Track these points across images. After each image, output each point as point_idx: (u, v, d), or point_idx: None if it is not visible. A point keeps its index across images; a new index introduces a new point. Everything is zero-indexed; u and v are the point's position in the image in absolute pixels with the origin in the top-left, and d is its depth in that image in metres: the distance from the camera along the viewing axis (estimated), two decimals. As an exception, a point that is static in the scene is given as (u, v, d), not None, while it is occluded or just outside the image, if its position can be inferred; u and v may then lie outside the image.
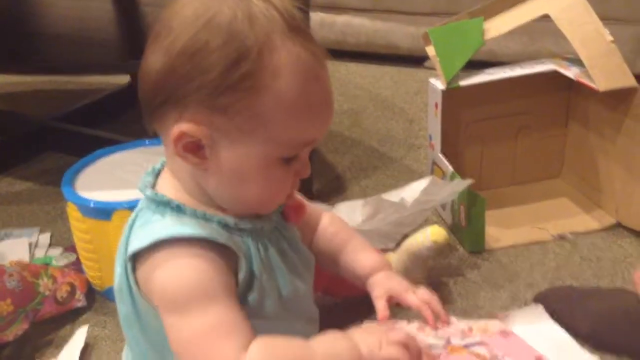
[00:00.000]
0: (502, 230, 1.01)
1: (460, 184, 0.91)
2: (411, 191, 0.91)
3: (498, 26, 1.00)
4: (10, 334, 0.80)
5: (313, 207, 0.72)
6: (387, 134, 1.40)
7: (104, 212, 0.86)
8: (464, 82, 0.99)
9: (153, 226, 0.54)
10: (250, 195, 0.55)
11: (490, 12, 1.03)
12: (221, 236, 0.54)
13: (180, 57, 0.51)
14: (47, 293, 0.85)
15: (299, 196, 0.66)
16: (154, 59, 0.52)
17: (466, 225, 0.97)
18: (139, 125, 1.56)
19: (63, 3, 1.48)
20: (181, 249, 0.52)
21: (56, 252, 1.05)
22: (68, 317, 0.90)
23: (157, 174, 0.61)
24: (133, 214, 0.59)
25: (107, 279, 0.92)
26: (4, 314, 0.78)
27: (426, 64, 1.61)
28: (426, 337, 0.69)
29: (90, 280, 0.94)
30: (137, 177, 0.93)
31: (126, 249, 0.56)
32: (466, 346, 0.66)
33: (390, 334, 0.55)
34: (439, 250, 0.84)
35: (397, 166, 1.26)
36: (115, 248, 0.87)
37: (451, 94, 1.00)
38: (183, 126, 0.52)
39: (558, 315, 0.80)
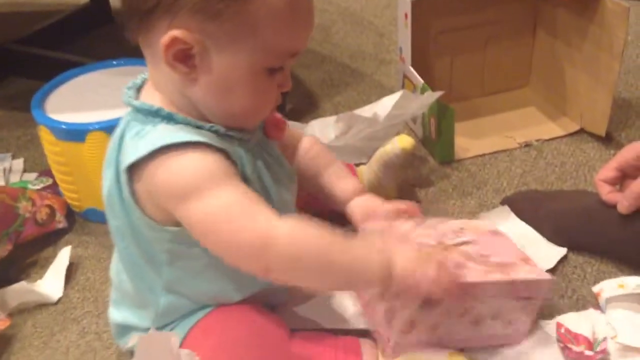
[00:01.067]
0: (471, 141, 1.04)
1: (431, 96, 0.93)
2: (383, 106, 0.92)
3: None
4: (-6, 256, 0.81)
5: (293, 129, 0.73)
6: (357, 49, 1.39)
7: (77, 134, 0.86)
8: (433, -8, 0.99)
9: (148, 136, 0.55)
10: (236, 106, 0.57)
11: None
12: (216, 142, 0.56)
13: None
14: (27, 215, 0.86)
15: (278, 114, 0.67)
16: None
17: (436, 137, 0.99)
18: (102, 46, 1.55)
19: None
20: (180, 151, 0.54)
21: (31, 176, 1.05)
22: (50, 239, 0.91)
23: (138, 89, 0.61)
24: (119, 128, 0.60)
25: (85, 200, 0.93)
26: (-14, 237, 0.79)
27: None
28: (420, 238, 0.71)
29: (69, 202, 0.95)
30: (107, 98, 0.94)
31: (117, 162, 0.57)
32: (457, 245, 0.69)
33: (430, 260, 0.57)
34: (408, 157, 0.87)
35: (369, 81, 1.26)
36: (92, 169, 0.89)
37: (420, 4, 1.00)
38: (175, 32, 0.53)
39: (523, 217, 0.84)
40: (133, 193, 0.57)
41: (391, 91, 1.19)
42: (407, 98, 0.93)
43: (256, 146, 0.62)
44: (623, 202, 0.74)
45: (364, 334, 0.68)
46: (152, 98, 0.59)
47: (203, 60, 0.54)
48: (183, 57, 0.54)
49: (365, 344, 0.65)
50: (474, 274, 0.63)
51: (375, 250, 0.57)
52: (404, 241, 0.61)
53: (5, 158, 1.10)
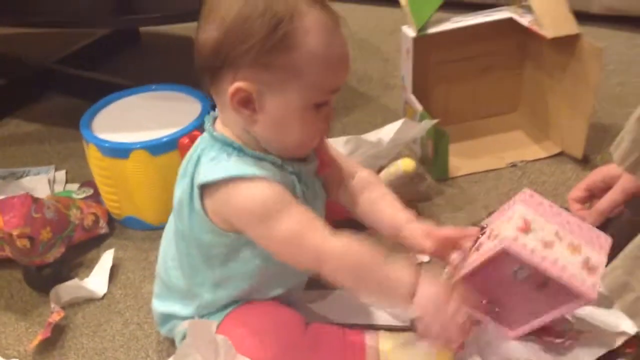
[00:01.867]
0: (464, 160, 1.17)
1: (428, 123, 1.06)
2: (386, 131, 1.06)
3: (462, -22, 1.12)
4: (51, 256, 0.94)
5: (346, 162, 0.85)
6: (364, 73, 1.52)
7: (122, 151, 1.00)
8: (432, 30, 1.12)
9: (223, 164, 0.68)
10: (291, 139, 0.69)
11: (456, -36, 1.14)
12: (275, 175, 0.68)
13: (231, 27, 0.64)
14: (77, 222, 0.99)
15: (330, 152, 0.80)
16: (209, 31, 0.65)
17: (433, 156, 1.12)
18: (130, 66, 1.70)
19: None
20: (249, 181, 0.67)
21: (73, 187, 1.18)
22: (94, 243, 1.04)
23: (213, 121, 0.74)
24: (197, 148, 0.72)
25: (125, 209, 1.06)
26: (45, 240, 0.92)
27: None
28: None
29: (110, 210, 1.08)
30: (147, 120, 1.07)
31: (192, 176, 0.70)
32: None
33: (452, 309, 0.65)
34: (410, 178, 1.00)
35: (375, 104, 1.39)
36: (133, 182, 1.02)
37: (421, 40, 1.13)
38: (238, 84, 0.65)
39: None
40: (203, 205, 0.70)
41: (395, 113, 1.33)
42: (408, 125, 1.06)
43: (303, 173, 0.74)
44: (588, 219, 0.87)
45: (369, 328, 0.81)
46: (224, 131, 0.71)
47: (261, 104, 0.66)
48: (245, 103, 0.66)
49: (369, 335, 0.78)
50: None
51: (406, 278, 0.67)
52: (434, 280, 0.68)
53: (49, 170, 1.23)
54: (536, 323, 0.76)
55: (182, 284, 0.78)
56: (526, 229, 0.69)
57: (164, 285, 0.81)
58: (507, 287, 0.75)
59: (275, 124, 0.68)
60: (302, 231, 0.67)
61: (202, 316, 0.76)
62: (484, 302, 0.79)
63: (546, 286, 0.71)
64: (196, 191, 0.70)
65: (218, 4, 0.66)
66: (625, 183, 0.80)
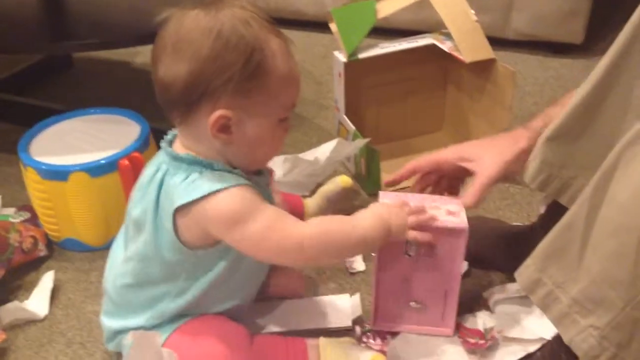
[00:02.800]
0: (394, 176, 1.24)
1: (361, 142, 1.13)
2: (322, 151, 1.12)
3: (387, 7, 1.20)
4: (-10, 280, 0.94)
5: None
6: (300, 95, 1.57)
7: (61, 174, 1.01)
8: (362, 55, 1.19)
9: (197, 183, 0.70)
10: (263, 154, 0.76)
11: (381, -6, 1.22)
12: (246, 181, 0.72)
13: (207, 61, 0.67)
14: (15, 244, 0.99)
15: None
16: (179, 67, 0.68)
17: (366, 173, 1.19)
18: (64, 91, 1.70)
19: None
20: (224, 191, 0.70)
21: (9, 211, 1.17)
22: (33, 265, 1.04)
23: (170, 143, 0.77)
24: (157, 171, 0.74)
25: (63, 232, 1.07)
26: (-16, 263, 0.92)
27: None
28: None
29: (48, 233, 1.08)
30: (86, 143, 1.08)
31: (157, 199, 0.72)
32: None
33: (409, 206, 0.79)
34: (346, 193, 1.08)
35: (310, 125, 1.45)
36: (72, 204, 1.03)
37: (352, 65, 1.20)
38: (220, 112, 0.69)
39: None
40: (175, 224, 0.72)
41: (329, 133, 1.39)
42: (342, 144, 1.13)
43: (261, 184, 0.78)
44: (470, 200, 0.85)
45: (310, 334, 0.86)
46: (189, 152, 0.73)
47: (238, 128, 0.71)
48: (223, 129, 0.70)
49: (310, 340, 0.83)
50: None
51: (376, 219, 0.76)
52: (386, 205, 0.80)
53: (-16, 195, 1.22)
54: (454, 299, 0.86)
55: (137, 299, 0.79)
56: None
57: (113, 304, 0.83)
58: (412, 273, 0.85)
59: (250, 143, 0.73)
60: (280, 224, 0.72)
61: (152, 327, 0.78)
62: (413, 304, 0.86)
63: (433, 248, 0.83)
64: (167, 213, 0.72)
65: (184, 41, 0.68)
66: (489, 172, 0.83)
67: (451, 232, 0.82)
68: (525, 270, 0.71)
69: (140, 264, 0.78)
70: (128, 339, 0.74)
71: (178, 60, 0.69)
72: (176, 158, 0.73)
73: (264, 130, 0.72)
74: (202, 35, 0.68)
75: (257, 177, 0.77)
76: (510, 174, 0.85)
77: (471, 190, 0.84)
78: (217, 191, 0.70)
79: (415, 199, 0.86)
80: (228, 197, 0.70)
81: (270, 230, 0.71)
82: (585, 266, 0.63)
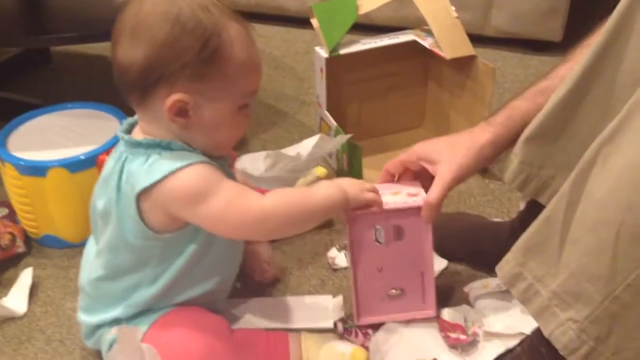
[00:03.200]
0: (376, 172, 1.20)
1: (343, 138, 1.13)
2: (304, 146, 1.12)
3: (368, 3, 1.20)
4: (-34, 277, 0.93)
5: None
6: (280, 91, 1.58)
7: (39, 169, 0.99)
8: (343, 51, 1.20)
9: (157, 164, 0.71)
10: (223, 139, 0.76)
11: (363, -10, 1.22)
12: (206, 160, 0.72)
13: (163, 46, 0.68)
14: (-7, 241, 0.98)
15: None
16: (136, 51, 0.69)
17: (348, 169, 1.19)
18: (42, 86, 1.67)
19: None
20: (184, 169, 0.71)
21: (-14, 207, 1.16)
22: (11, 262, 1.03)
23: (128, 130, 0.77)
24: (117, 160, 0.74)
25: (42, 228, 1.06)
26: (-39, 260, 0.91)
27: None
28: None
29: (27, 229, 1.07)
30: (64, 138, 1.07)
31: (118, 186, 0.72)
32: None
33: (367, 184, 0.82)
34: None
35: (291, 121, 1.45)
36: (51, 200, 1.02)
37: (333, 61, 1.20)
38: (176, 96, 0.70)
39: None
40: (139, 209, 0.72)
41: (311, 129, 1.39)
42: (324, 140, 1.13)
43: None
44: (426, 213, 0.85)
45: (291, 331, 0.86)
46: (147, 136, 0.74)
47: (196, 112, 0.71)
48: (180, 113, 0.71)
49: (291, 336, 0.83)
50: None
51: (332, 184, 0.79)
52: (343, 179, 0.83)
53: (-40, 190, 1.20)
54: (430, 280, 0.88)
55: (112, 290, 0.79)
56: None
57: (89, 298, 0.82)
58: (386, 262, 0.87)
59: (209, 128, 0.73)
60: (241, 198, 0.73)
61: (129, 317, 0.78)
62: (392, 292, 0.87)
63: (400, 231, 0.86)
64: (129, 199, 0.72)
65: (142, 25, 0.69)
66: (444, 175, 0.83)
67: (414, 211, 0.84)
68: (506, 265, 0.72)
69: (110, 255, 0.77)
70: (111, 334, 0.73)
71: (135, 44, 0.69)
72: (134, 144, 0.73)
73: (222, 116, 0.73)
74: (159, 20, 0.68)
75: (218, 160, 0.77)
76: (471, 173, 0.85)
77: (431, 191, 0.84)
78: (178, 169, 0.70)
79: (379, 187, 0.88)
80: (188, 174, 0.71)
81: (232, 205, 0.72)
82: (564, 260, 0.64)
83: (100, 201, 0.76)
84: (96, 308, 0.81)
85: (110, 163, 0.76)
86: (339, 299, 0.93)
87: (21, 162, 1.00)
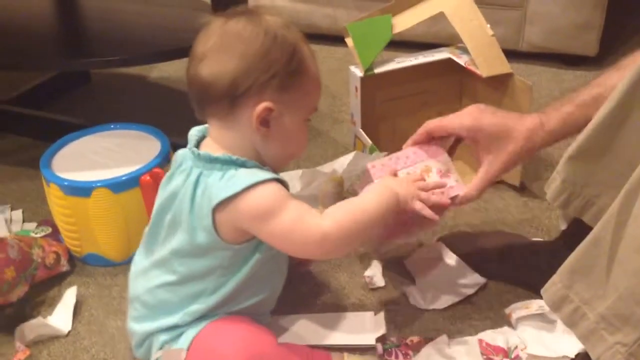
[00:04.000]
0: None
1: (378, 155, 1.13)
2: (340, 164, 1.13)
3: (403, 22, 1.21)
4: (15, 296, 0.95)
5: None
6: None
7: (84, 190, 1.02)
8: (378, 70, 1.20)
9: (235, 179, 0.75)
10: (293, 150, 0.83)
11: (397, 9, 1.23)
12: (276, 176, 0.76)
13: (256, 57, 0.74)
14: (39, 260, 1.00)
15: None
16: (227, 64, 0.74)
17: (383, 187, 1.19)
18: (81, 105, 1.71)
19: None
20: (258, 185, 0.75)
21: (30, 226, 1.18)
22: (55, 281, 1.05)
23: (198, 143, 0.81)
24: (190, 174, 0.78)
25: (85, 247, 1.08)
26: (9, 280, 0.93)
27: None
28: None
29: (70, 248, 1.09)
30: (107, 158, 1.10)
31: (193, 198, 0.76)
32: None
33: (420, 191, 0.84)
34: (337, 187, 1.09)
35: (325, 138, 1.46)
36: (94, 220, 1.04)
37: (368, 79, 1.21)
38: (265, 104, 0.75)
39: (455, 252, 1.02)
40: (214, 221, 0.75)
41: (344, 147, 1.40)
42: (359, 157, 1.13)
43: None
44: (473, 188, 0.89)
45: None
46: (217, 151, 0.78)
47: (276, 122, 0.77)
48: (264, 122, 0.76)
49: (334, 354, 0.83)
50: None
51: (385, 193, 0.81)
52: (392, 178, 0.87)
53: (5, 209, 1.23)
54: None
55: (174, 297, 0.81)
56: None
57: (144, 307, 0.84)
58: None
59: (285, 138, 0.79)
60: (303, 218, 0.76)
61: (185, 325, 0.80)
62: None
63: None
64: (205, 211, 0.75)
65: (234, 40, 0.75)
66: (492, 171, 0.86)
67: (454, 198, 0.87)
68: (552, 287, 0.71)
69: (177, 262, 0.80)
70: (156, 356, 0.74)
71: (226, 58, 0.74)
72: (211, 159, 0.77)
73: (296, 127, 0.79)
74: (250, 35, 0.75)
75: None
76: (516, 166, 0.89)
77: (475, 182, 0.87)
78: (254, 185, 0.74)
79: (401, 160, 0.90)
80: (262, 191, 0.74)
81: (296, 225, 0.75)
82: (612, 283, 0.64)
83: (167, 214, 0.80)
84: (151, 316, 0.83)
85: (179, 178, 0.79)
86: (381, 315, 0.93)
87: (66, 183, 1.02)
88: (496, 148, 0.86)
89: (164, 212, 0.81)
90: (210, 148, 0.79)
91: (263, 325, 0.84)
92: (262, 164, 0.79)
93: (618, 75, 0.79)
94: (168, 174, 0.83)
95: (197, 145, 0.81)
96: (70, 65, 1.38)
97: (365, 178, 0.91)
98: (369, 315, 0.94)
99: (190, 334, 0.80)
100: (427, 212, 0.83)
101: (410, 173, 0.89)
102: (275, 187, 0.76)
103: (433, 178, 0.89)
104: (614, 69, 0.84)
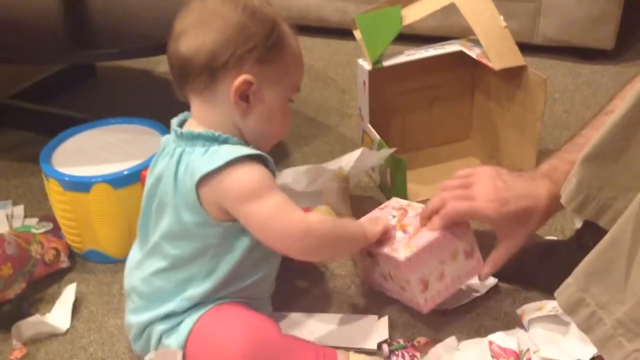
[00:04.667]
0: (421, 186, 1.21)
1: (386, 152, 1.10)
2: (347, 160, 1.09)
3: (413, 13, 1.17)
4: (12, 293, 0.93)
5: None
6: (322, 103, 1.56)
7: (83, 185, 0.99)
8: (387, 63, 1.17)
9: (219, 153, 0.74)
10: (275, 128, 0.81)
11: (407, 0, 1.20)
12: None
13: (235, 30, 0.74)
14: (37, 257, 0.98)
15: None
16: (207, 37, 0.74)
17: (391, 184, 1.16)
18: (86, 99, 1.70)
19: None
20: (243, 163, 0.74)
21: (32, 222, 1.16)
22: (55, 277, 1.03)
23: (180, 125, 0.80)
24: (171, 154, 0.77)
25: (86, 243, 1.06)
26: (6, 277, 0.91)
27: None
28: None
29: (71, 244, 1.07)
30: (108, 153, 1.07)
31: (175, 175, 0.74)
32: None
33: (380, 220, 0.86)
34: (341, 181, 1.08)
35: (333, 134, 1.43)
36: (95, 215, 1.02)
37: (376, 73, 1.17)
38: (245, 76, 0.74)
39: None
40: (199, 197, 0.74)
41: (353, 142, 1.37)
42: (366, 154, 1.10)
43: None
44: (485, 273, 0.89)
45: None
46: (199, 129, 0.77)
47: (256, 97, 0.76)
48: (243, 97, 0.75)
49: (340, 351, 0.80)
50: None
51: (357, 224, 0.85)
52: (370, 219, 0.89)
53: (7, 205, 1.21)
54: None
55: (170, 283, 0.80)
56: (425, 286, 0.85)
57: (140, 298, 0.82)
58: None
59: (266, 115, 0.78)
60: (289, 208, 0.75)
61: (183, 311, 0.79)
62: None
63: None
64: (188, 187, 0.74)
65: (212, 14, 0.75)
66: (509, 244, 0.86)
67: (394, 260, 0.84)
68: (566, 290, 0.67)
69: (168, 245, 0.79)
70: (148, 357, 0.72)
71: (205, 31, 0.74)
72: (194, 136, 0.76)
73: (277, 104, 0.78)
74: (229, 8, 0.75)
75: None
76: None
77: (494, 259, 0.87)
78: (240, 161, 0.73)
79: (434, 249, 0.86)
80: (248, 171, 0.74)
81: (280, 212, 0.74)
82: (631, 286, 0.60)
83: (154, 200, 0.79)
84: (149, 306, 0.81)
85: (162, 162, 0.78)
86: (384, 319, 0.90)
87: (65, 178, 1.00)
88: (516, 231, 0.85)
89: (151, 199, 0.80)
90: (192, 126, 0.78)
91: (265, 314, 0.83)
92: (245, 143, 0.78)
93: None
94: (153, 160, 0.82)
95: (181, 126, 0.81)
96: (73, 58, 1.37)
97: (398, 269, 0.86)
98: (372, 318, 0.91)
99: (189, 321, 0.78)
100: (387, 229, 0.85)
101: (443, 262, 0.86)
102: (262, 171, 0.75)
103: (460, 261, 0.87)
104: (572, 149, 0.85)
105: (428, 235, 0.84)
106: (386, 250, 0.85)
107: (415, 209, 0.91)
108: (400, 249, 0.83)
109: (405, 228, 0.87)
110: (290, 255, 0.78)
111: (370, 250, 0.87)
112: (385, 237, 0.85)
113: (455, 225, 0.86)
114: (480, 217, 0.85)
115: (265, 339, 0.76)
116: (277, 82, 0.77)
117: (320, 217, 0.81)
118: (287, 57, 0.77)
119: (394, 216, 0.91)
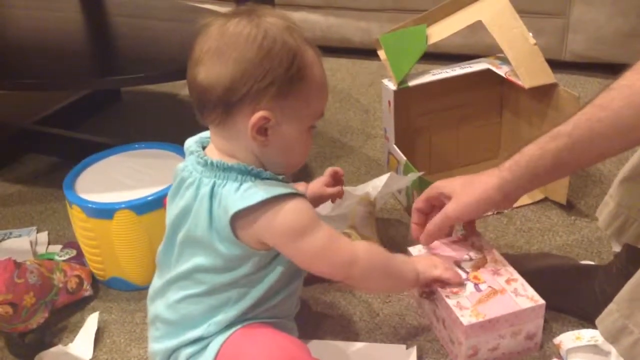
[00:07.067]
0: (449, 208, 1.17)
1: (414, 176, 1.07)
2: (373, 186, 1.07)
3: (439, 32, 1.15)
4: (34, 323, 0.92)
5: None
6: (346, 124, 1.54)
7: (106, 212, 0.98)
8: (412, 82, 1.14)
9: (253, 190, 0.72)
10: (295, 159, 0.79)
11: (432, 19, 1.17)
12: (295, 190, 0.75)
13: (251, 63, 0.70)
14: (60, 285, 0.97)
15: None
16: (223, 69, 0.70)
17: (419, 206, 1.12)
18: (111, 124, 1.70)
19: (30, 20, 1.54)
20: (284, 201, 0.72)
21: (55, 248, 1.16)
22: (78, 306, 1.02)
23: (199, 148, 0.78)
24: (199, 185, 0.74)
25: (109, 270, 1.04)
26: (29, 306, 0.90)
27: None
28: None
29: (94, 271, 1.06)
30: (131, 179, 1.06)
31: (210, 208, 0.73)
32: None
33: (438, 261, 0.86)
34: (366, 206, 1.06)
35: (357, 155, 1.40)
36: (118, 243, 1.00)
37: (401, 93, 1.15)
38: (262, 113, 0.71)
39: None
40: (234, 231, 0.72)
41: (377, 163, 1.34)
42: (393, 178, 1.07)
43: None
44: (422, 238, 0.91)
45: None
46: (231, 160, 0.74)
47: (274, 131, 0.73)
48: (261, 131, 0.72)
49: None
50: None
51: (410, 262, 0.85)
52: (424, 257, 0.90)
53: (31, 232, 1.21)
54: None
55: (198, 309, 0.78)
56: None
57: (166, 325, 0.80)
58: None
59: (285, 147, 0.75)
60: (334, 239, 0.75)
61: (210, 336, 0.77)
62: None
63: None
64: (224, 222, 0.72)
65: (230, 44, 0.70)
66: (448, 210, 0.87)
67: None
68: (609, 317, 0.64)
69: (202, 275, 0.77)
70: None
71: (222, 62, 0.70)
72: (225, 168, 0.73)
73: (296, 135, 0.75)
74: (247, 39, 0.70)
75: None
76: (475, 213, 0.89)
77: (433, 221, 0.89)
78: (275, 198, 0.71)
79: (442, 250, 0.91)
80: (291, 210, 0.72)
81: (327, 243, 0.74)
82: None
83: (180, 232, 0.77)
84: (175, 333, 0.79)
85: (187, 193, 0.76)
86: (413, 350, 0.87)
87: (88, 205, 0.99)
88: (457, 193, 0.87)
89: (176, 230, 0.78)
90: (218, 155, 0.76)
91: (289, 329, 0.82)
92: (275, 175, 0.76)
93: (585, 111, 0.79)
94: (171, 190, 0.80)
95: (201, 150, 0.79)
96: (98, 83, 1.36)
97: (455, 327, 0.84)
98: (401, 348, 0.88)
99: (217, 343, 0.76)
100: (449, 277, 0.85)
101: (502, 336, 0.84)
102: (304, 205, 0.74)
103: (519, 340, 0.85)
104: (586, 104, 0.83)
105: (501, 306, 0.82)
106: (451, 302, 0.83)
107: (495, 258, 0.91)
108: (467, 312, 0.81)
109: (479, 284, 0.86)
110: (339, 281, 0.80)
111: (432, 288, 0.85)
112: (452, 280, 0.85)
113: (531, 309, 0.83)
114: (435, 187, 0.91)
115: (296, 357, 0.74)
116: (296, 115, 0.74)
117: (365, 245, 0.80)
118: (308, 89, 0.73)
119: (470, 258, 0.90)
